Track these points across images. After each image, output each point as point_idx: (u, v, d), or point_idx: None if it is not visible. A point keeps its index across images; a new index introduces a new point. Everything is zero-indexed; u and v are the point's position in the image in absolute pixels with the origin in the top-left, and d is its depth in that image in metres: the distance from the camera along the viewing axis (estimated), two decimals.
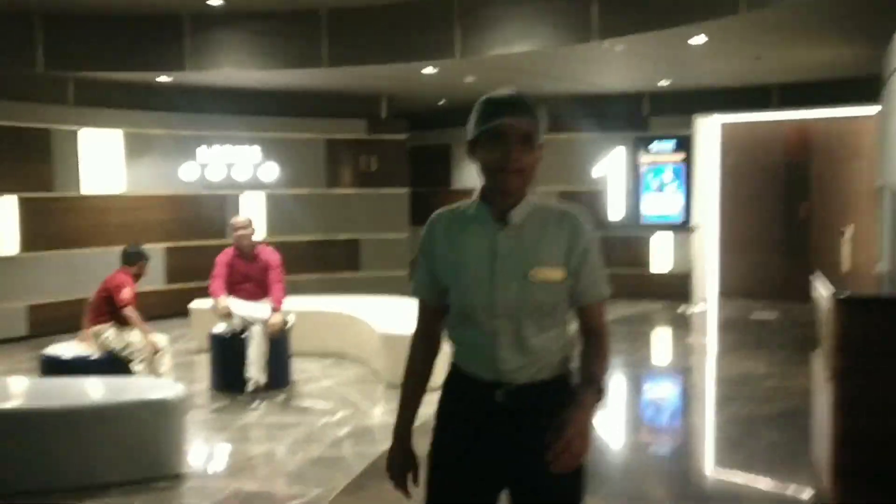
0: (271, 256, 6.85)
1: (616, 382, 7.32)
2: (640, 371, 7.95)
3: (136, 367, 6.06)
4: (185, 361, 7.87)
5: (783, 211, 11.31)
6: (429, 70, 9.18)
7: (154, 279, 10.14)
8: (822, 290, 4.30)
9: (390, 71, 9.25)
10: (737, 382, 6.87)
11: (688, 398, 6.63)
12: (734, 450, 5.29)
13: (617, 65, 9.01)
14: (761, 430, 5.56)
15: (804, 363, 8.10)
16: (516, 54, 8.25)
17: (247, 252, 6.82)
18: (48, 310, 9.31)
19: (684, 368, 7.81)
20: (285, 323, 6.71)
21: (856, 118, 10.65)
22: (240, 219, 6.94)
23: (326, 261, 11.63)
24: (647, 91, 11.50)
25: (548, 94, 11.50)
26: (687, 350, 8.68)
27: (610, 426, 5.92)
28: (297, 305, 7.88)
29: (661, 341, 9.40)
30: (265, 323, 6.57)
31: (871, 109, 10.28)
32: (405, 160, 12.15)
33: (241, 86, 10.35)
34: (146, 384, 5.45)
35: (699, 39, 7.45)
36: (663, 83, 10.50)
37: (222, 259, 6.83)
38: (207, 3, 8.43)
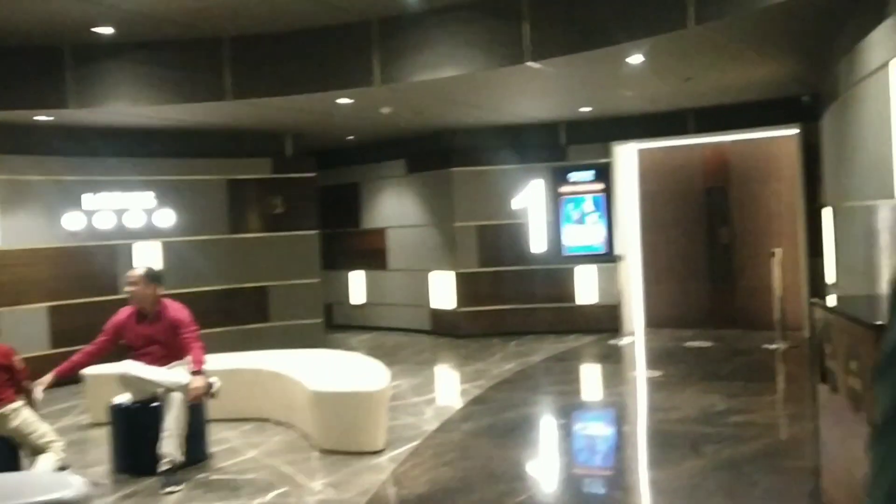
0: (179, 313, 5.94)
1: (571, 431, 6.74)
2: (593, 415, 7.40)
3: (50, 458, 4.92)
4: (78, 439, 6.81)
5: (705, 236, 11.15)
6: (344, 100, 8.50)
7: (37, 343, 8.98)
8: (843, 317, 3.82)
9: (302, 103, 8.52)
10: (702, 420, 6.40)
11: (658, 443, 6.10)
12: (733, 501, 4.75)
13: (543, 90, 8.59)
14: (752, 474, 5.06)
15: (761, 394, 7.72)
16: (440, 81, 7.68)
17: (148, 310, 5.89)
18: None
19: (639, 405, 7.31)
20: (209, 387, 5.80)
21: (772, 140, 10.62)
22: (133, 271, 6.01)
23: (231, 312, 10.65)
24: (565, 119, 11.18)
25: (466, 126, 11.01)
26: (635, 385, 8.21)
27: (584, 487, 5.30)
28: (209, 363, 6.97)
29: (605, 378, 8.91)
30: (185, 389, 5.65)
31: (787, 131, 10.26)
32: (314, 200, 11.37)
33: (131, 124, 9.37)
34: (37, 481, 4.45)
35: (636, 59, 7.08)
36: (585, 109, 10.18)
37: (116, 319, 5.88)
38: (93, 31, 7.50)
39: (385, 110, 9.22)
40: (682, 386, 7.69)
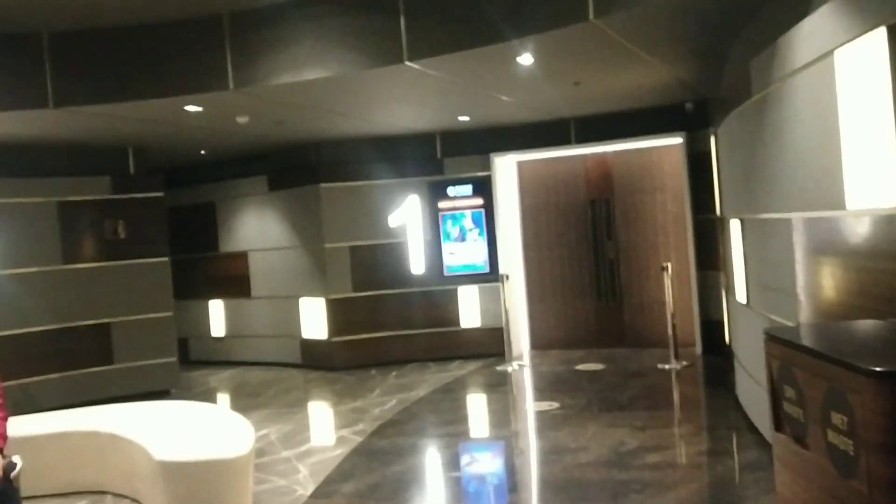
0: None
1: (469, 487, 5.88)
2: (492, 464, 6.57)
3: None
4: None
5: (590, 251, 10.62)
6: (193, 108, 7.35)
7: None
8: (821, 358, 3.11)
9: (143, 111, 7.32)
10: (616, 463, 5.69)
11: (576, 496, 5.32)
12: None
13: (420, 96, 7.75)
14: None
15: (670, 424, 7.04)
16: (304, 84, 6.70)
17: None
18: None
19: (543, 448, 6.54)
20: (8, 469, 4.54)
21: (656, 150, 10.23)
22: None
23: (67, 355, 9.20)
24: (441, 130, 10.39)
25: (335, 137, 10.03)
26: (532, 421, 7.46)
27: None
28: (27, 428, 5.71)
29: (497, 413, 8.11)
30: None
31: (671, 140, 9.88)
32: (162, 223, 10.06)
33: None
34: None
35: (526, 59, 6.35)
36: (462, 119, 9.42)
37: None
38: None
39: (242, 120, 8.12)
40: (583, 419, 6.99)
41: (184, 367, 11.51)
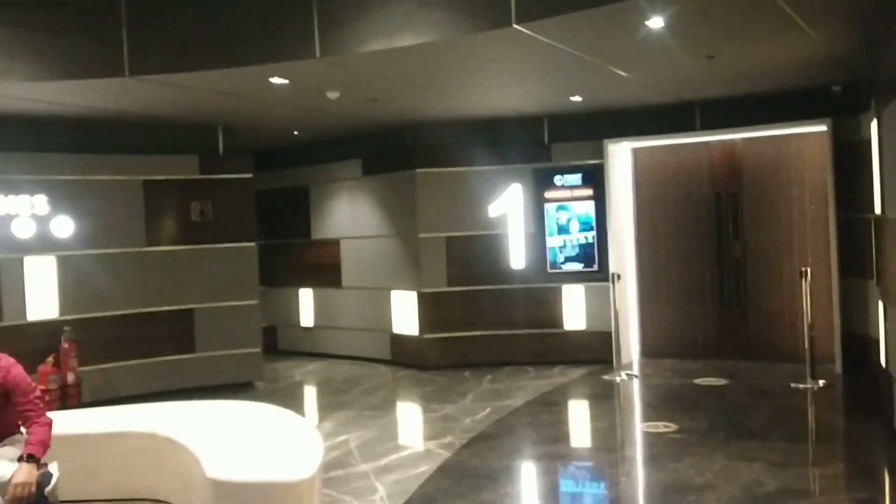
0: (12, 370, 4.10)
1: None
2: (592, 491, 5.66)
3: None
4: None
5: (713, 251, 9.49)
6: (278, 80, 6.70)
7: None
8: None
9: (226, 83, 6.72)
10: None
11: None
12: None
13: (527, 67, 6.87)
14: None
15: (816, 462, 5.76)
16: (398, 51, 5.93)
17: None
18: None
19: (660, 483, 5.56)
20: (45, 481, 3.95)
21: (793, 138, 9.01)
22: None
23: (148, 342, 8.78)
24: (549, 113, 9.46)
25: (433, 119, 9.26)
26: (646, 447, 6.49)
27: None
28: (81, 425, 5.19)
29: (606, 434, 7.16)
30: (5, 484, 3.80)
31: (813, 128, 8.67)
32: (251, 206, 9.53)
33: (16, 109, 7.48)
34: None
35: (655, 23, 5.39)
36: (574, 99, 8.47)
37: None
38: None
39: (332, 95, 7.43)
40: (708, 447, 5.98)
41: (271, 357, 11.06)
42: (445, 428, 6.94)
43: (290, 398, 8.60)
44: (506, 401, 7.90)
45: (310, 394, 9.17)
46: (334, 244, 10.96)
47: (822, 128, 8.47)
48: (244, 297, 9.31)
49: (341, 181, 10.82)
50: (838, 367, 8.39)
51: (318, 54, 6.01)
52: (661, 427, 6.62)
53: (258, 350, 9.42)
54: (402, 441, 6.79)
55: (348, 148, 10.66)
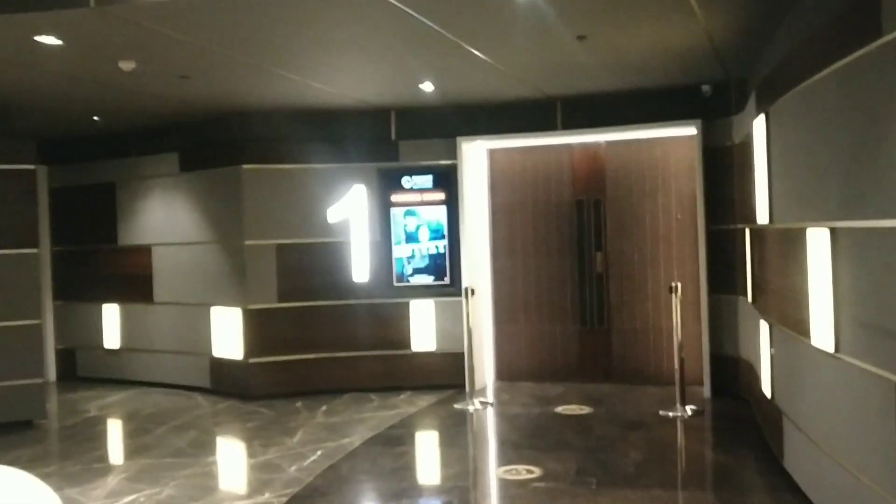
0: None
1: None
2: None
3: None
4: None
5: (574, 264, 8.65)
6: (47, 39, 5.19)
7: None
8: None
9: None
10: None
11: None
12: None
13: (370, 38, 5.69)
14: None
15: None
16: (203, 4, 4.60)
17: None
18: None
19: None
20: None
21: (660, 141, 8.31)
22: None
23: None
24: (397, 104, 8.34)
25: (263, 107, 7.89)
26: (495, 496, 5.42)
27: None
28: None
29: (450, 478, 6.04)
30: None
31: (681, 130, 8.01)
32: (34, 204, 7.81)
33: None
34: None
35: None
36: (426, 87, 7.37)
37: None
38: None
39: (126, 66, 5.95)
40: (580, 499, 4.98)
41: (68, 386, 9.35)
42: (263, 481, 5.61)
43: (75, 441, 6.99)
44: (342, 439, 6.65)
45: (103, 434, 7.56)
46: (145, 251, 9.34)
47: (692, 130, 7.80)
48: (23, 315, 7.56)
49: (155, 178, 9.24)
50: (707, 391, 7.72)
51: (91, 2, 4.58)
52: (522, 472, 5.57)
53: (40, 381, 7.69)
54: (203, 502, 5.39)
55: (163, 139, 9.11)
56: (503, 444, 6.57)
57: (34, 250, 7.69)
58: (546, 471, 5.56)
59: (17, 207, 7.53)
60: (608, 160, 8.55)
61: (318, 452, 6.26)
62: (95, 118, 8.41)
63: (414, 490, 5.54)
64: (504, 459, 6.06)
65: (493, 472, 5.80)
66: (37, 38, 5.18)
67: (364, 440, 6.62)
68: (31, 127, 7.94)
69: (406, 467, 6.09)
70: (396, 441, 6.68)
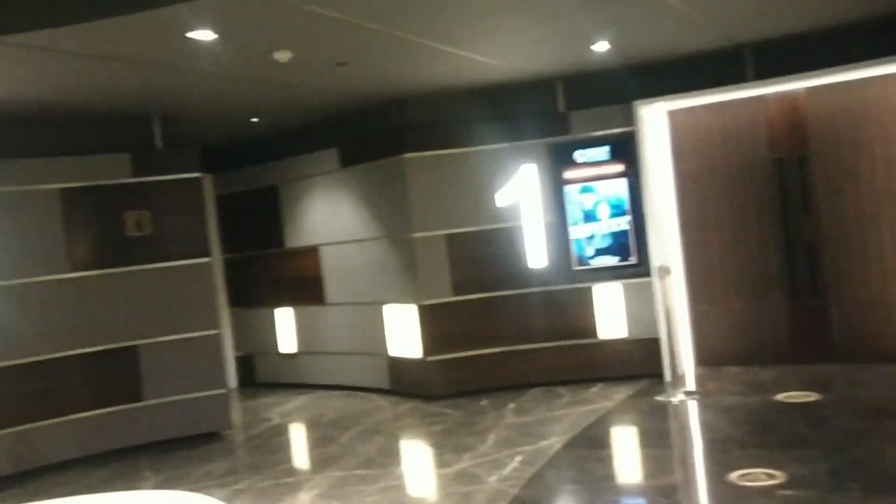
0: None
1: None
2: None
3: None
4: None
5: (777, 232, 7.65)
6: (200, 34, 4.86)
7: None
8: None
9: (119, 41, 4.86)
10: None
11: None
12: None
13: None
14: None
15: None
16: None
17: None
18: None
19: None
20: None
21: (873, 82, 7.17)
22: None
23: (81, 392, 6.96)
24: (563, 72, 7.62)
25: (422, 90, 7.40)
26: None
27: None
28: None
29: (677, 487, 5.31)
30: None
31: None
32: (202, 212, 7.68)
33: None
34: None
35: None
36: (599, 48, 6.62)
37: None
38: None
39: (282, 57, 5.59)
40: None
41: (248, 393, 9.30)
42: (463, 494, 5.09)
43: (262, 452, 6.77)
44: (539, 441, 6.06)
45: (288, 444, 7.34)
46: (313, 252, 9.11)
47: None
48: (202, 326, 7.45)
49: (316, 176, 8.97)
50: None
51: None
52: (761, 477, 4.76)
53: (223, 391, 7.57)
54: None
55: (322, 135, 8.82)
56: (725, 442, 5.74)
57: (207, 259, 7.57)
58: (790, 475, 4.72)
59: (187, 218, 7.42)
60: (811, 110, 7.47)
61: (517, 458, 5.69)
62: (254, 120, 8.21)
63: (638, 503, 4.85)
64: (733, 461, 5.24)
65: (725, 478, 5.02)
66: (189, 34, 4.86)
67: (564, 442, 5.99)
68: (192, 135, 7.83)
69: (619, 474, 5.41)
70: (600, 442, 6.02)
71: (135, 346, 7.20)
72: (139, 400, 7.19)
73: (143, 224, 7.21)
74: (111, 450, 6.97)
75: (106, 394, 7.05)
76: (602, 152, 7.81)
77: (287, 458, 6.79)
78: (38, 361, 6.76)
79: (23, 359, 6.68)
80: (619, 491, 5.06)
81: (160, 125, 7.46)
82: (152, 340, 7.24)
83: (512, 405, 7.32)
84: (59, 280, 6.88)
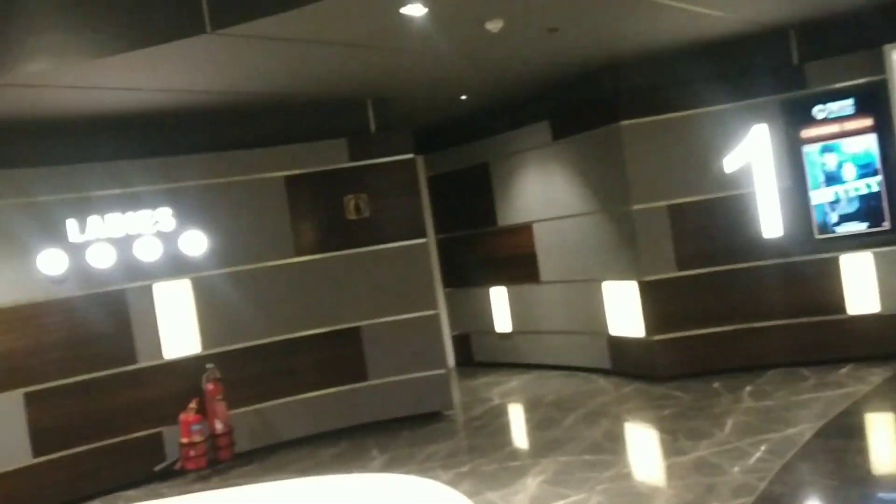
0: None
1: None
2: None
3: None
4: None
5: None
6: (411, 9, 4.75)
7: (12, 451, 5.99)
8: None
9: (333, 25, 4.85)
10: None
11: None
12: None
13: None
14: None
15: None
16: None
17: None
18: None
19: None
20: None
21: None
22: None
23: (309, 372, 7.21)
24: (795, 20, 6.84)
25: (637, 52, 6.93)
26: None
27: None
28: None
29: None
30: None
31: None
32: (417, 193, 7.70)
33: (115, 107, 6.09)
34: None
35: None
36: None
37: None
38: None
39: (493, 26, 5.37)
40: None
41: (466, 373, 9.29)
42: (705, 486, 4.67)
43: (484, 434, 6.68)
44: (785, 429, 5.48)
45: (510, 426, 7.21)
46: (526, 230, 8.90)
47: None
48: (421, 306, 7.48)
49: (527, 151, 8.74)
50: None
51: None
52: None
53: (443, 371, 7.57)
54: None
55: (532, 109, 8.57)
56: None
57: (423, 240, 7.57)
58: None
59: (402, 199, 7.46)
60: None
61: (762, 447, 5.17)
62: (463, 97, 8.10)
63: None
64: None
65: None
66: (402, 10, 4.75)
67: (815, 430, 5.38)
68: (403, 117, 7.85)
69: (883, 468, 4.75)
70: (858, 431, 5.36)
71: (358, 328, 7.36)
72: (364, 380, 7.34)
73: (361, 207, 7.33)
74: (339, 428, 7.16)
75: (333, 374, 7.26)
76: (846, 106, 6.95)
77: (510, 440, 6.66)
78: (271, 343, 7.06)
79: (257, 340, 7.00)
80: (887, 487, 4.42)
81: (373, 109, 7.53)
82: (374, 321, 7.36)
83: (748, 388, 6.73)
84: (286, 264, 7.14)
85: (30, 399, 6.17)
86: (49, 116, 6.04)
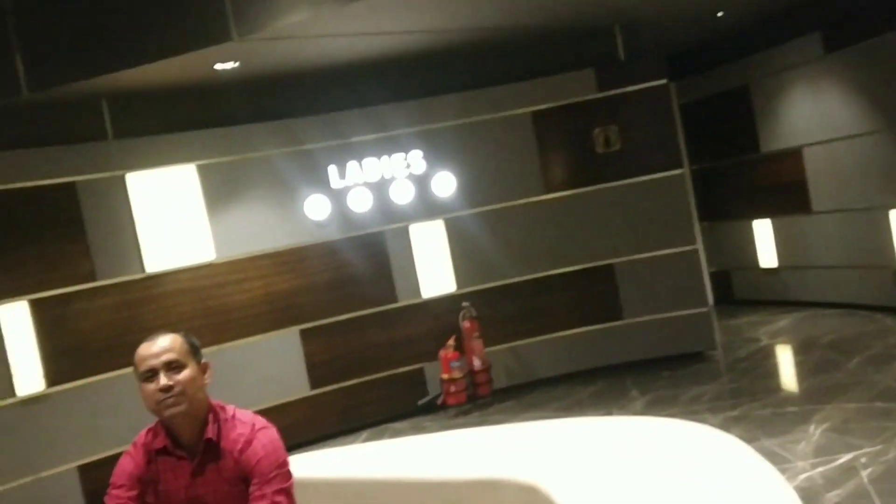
0: (259, 446, 2.38)
1: None
2: None
3: None
4: None
5: None
6: None
7: (291, 381, 6.50)
8: None
9: None
10: None
11: None
12: None
13: None
14: None
15: None
16: None
17: (185, 435, 2.43)
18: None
19: None
20: None
21: None
22: (157, 341, 2.51)
23: (561, 311, 7.10)
24: None
25: None
26: None
27: None
28: (417, 469, 3.49)
29: None
30: None
31: None
32: (672, 122, 7.23)
33: (359, 53, 6.23)
34: None
35: None
36: None
37: (126, 467, 2.51)
38: None
39: None
40: None
41: (726, 311, 8.77)
42: None
43: (753, 377, 6.23)
44: None
45: (782, 368, 6.67)
46: (794, 155, 8.09)
47: None
48: (678, 242, 7.08)
49: (793, 69, 7.89)
50: None
51: None
52: None
53: (705, 310, 7.14)
54: None
55: (799, 19, 7.68)
56: None
57: (679, 171, 7.12)
58: None
59: (655, 129, 7.04)
60: None
61: None
62: (720, 14, 7.42)
63: None
64: None
65: None
66: None
67: None
68: (653, 42, 7.36)
69: None
70: None
71: (611, 265, 7.12)
72: (619, 318, 7.11)
73: (611, 139, 7.00)
74: (595, 367, 7.01)
75: (587, 312, 7.10)
76: None
77: (784, 383, 6.16)
78: (523, 282, 7.02)
79: (509, 279, 6.99)
80: None
81: (622, 34, 7.13)
82: (627, 258, 7.08)
83: None
84: (536, 202, 7.03)
85: (305, 335, 6.61)
86: (308, 66, 6.30)
